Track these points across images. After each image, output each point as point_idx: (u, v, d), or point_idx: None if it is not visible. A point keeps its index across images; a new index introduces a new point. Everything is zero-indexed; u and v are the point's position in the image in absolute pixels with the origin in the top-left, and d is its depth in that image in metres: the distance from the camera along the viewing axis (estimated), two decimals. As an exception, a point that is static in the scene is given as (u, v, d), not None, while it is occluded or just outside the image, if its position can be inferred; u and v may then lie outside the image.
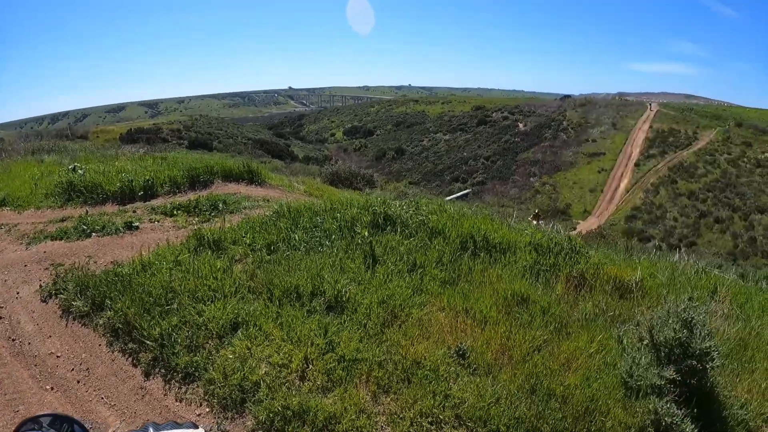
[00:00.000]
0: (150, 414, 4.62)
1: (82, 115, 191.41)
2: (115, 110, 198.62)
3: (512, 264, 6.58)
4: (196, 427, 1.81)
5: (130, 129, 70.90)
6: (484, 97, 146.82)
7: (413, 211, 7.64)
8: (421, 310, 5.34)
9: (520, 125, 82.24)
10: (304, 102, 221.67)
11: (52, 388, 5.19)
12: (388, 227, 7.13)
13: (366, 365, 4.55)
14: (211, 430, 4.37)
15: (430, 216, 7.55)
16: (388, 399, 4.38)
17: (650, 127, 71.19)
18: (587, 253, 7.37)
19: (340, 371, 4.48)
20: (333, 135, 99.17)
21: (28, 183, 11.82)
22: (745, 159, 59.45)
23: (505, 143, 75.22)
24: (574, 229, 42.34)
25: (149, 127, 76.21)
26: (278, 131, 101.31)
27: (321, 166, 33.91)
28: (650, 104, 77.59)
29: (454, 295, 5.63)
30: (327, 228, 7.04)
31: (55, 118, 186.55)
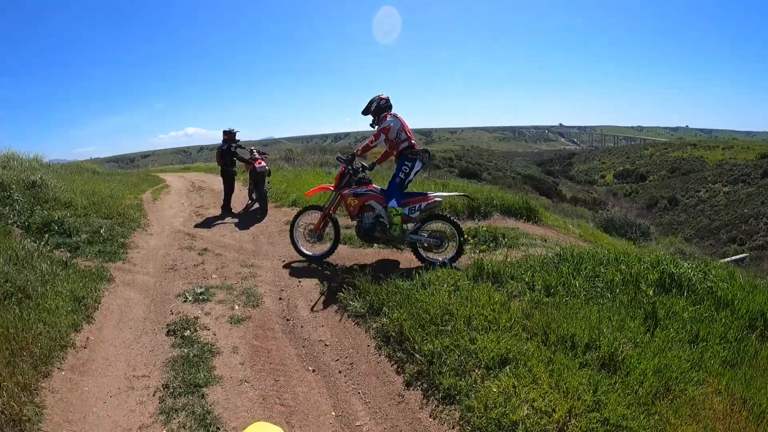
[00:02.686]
0: (401, 421, 4.79)
1: (362, 136, 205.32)
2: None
3: (805, 354, 5.77)
4: None
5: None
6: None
7: (702, 275, 7.03)
8: (697, 389, 4.85)
9: (816, 178, 71.39)
10: (575, 140, 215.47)
11: (313, 371, 5.69)
12: (674, 289, 6.64)
13: None
14: None
15: (718, 283, 6.89)
16: (647, 476, 4.05)
17: None
18: None
19: None
20: (603, 177, 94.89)
21: (318, 190, 13.13)
22: None
23: (796, 200, 66.03)
24: None
25: (423, 153, 79.73)
26: (547, 168, 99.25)
27: (591, 210, 32.83)
28: None
29: (735, 380, 5.06)
30: (610, 279, 6.72)
31: (338, 137, 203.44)
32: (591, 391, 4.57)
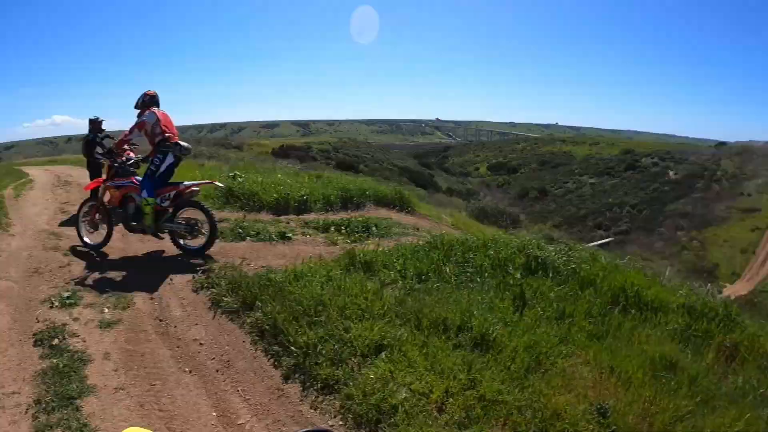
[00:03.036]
0: (283, 414, 4.80)
1: (239, 127, 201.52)
2: (270, 126, 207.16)
3: (663, 325, 6.33)
4: None
5: (283, 145, 74.33)
6: (633, 140, 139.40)
7: (566, 257, 7.50)
8: (566, 361, 5.21)
9: (671, 173, 77.91)
10: (451, 134, 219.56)
11: (190, 371, 5.57)
12: (540, 271, 7.05)
13: (505, 408, 4.47)
14: None
15: (582, 264, 7.40)
16: (524, 446, 4.29)
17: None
18: (743, 322, 6.94)
19: (479, 410, 4.43)
20: (477, 169, 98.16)
21: (189, 185, 12.95)
22: None
23: (653, 191, 71.46)
24: (721, 292, 39.81)
25: (300, 145, 79.77)
26: (423, 161, 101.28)
27: (464, 200, 33.90)
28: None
29: (601, 351, 5.47)
30: (479, 264, 7.03)
31: (213, 128, 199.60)
32: (466, 371, 4.81)
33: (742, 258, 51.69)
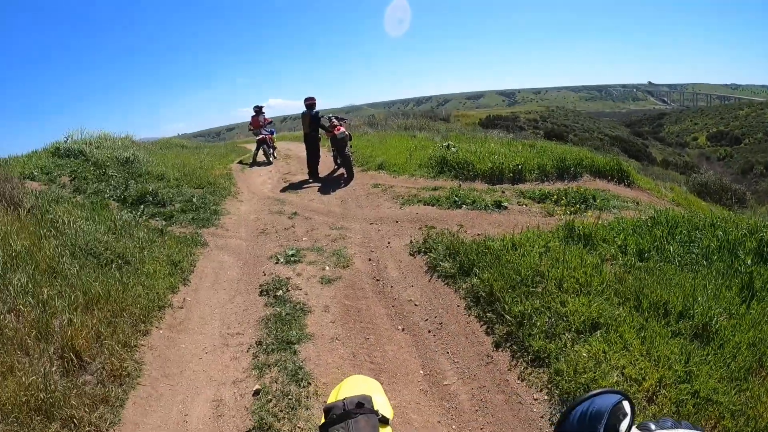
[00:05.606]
0: (489, 381, 4.77)
1: (444, 100, 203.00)
2: (474, 97, 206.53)
3: None
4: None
5: (489, 115, 73.05)
6: None
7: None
8: None
9: None
10: (665, 99, 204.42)
11: (402, 330, 5.77)
12: (772, 259, 6.14)
13: (718, 409, 3.95)
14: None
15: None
16: (732, 453, 3.83)
17: None
18: None
19: (691, 406, 4.00)
20: (695, 139, 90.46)
21: (403, 153, 13.56)
22: None
23: None
24: None
25: (507, 115, 78.01)
26: (636, 129, 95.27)
27: (682, 174, 31.43)
28: None
29: None
30: (706, 246, 6.36)
31: (419, 101, 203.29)
32: (683, 362, 4.37)
33: None
